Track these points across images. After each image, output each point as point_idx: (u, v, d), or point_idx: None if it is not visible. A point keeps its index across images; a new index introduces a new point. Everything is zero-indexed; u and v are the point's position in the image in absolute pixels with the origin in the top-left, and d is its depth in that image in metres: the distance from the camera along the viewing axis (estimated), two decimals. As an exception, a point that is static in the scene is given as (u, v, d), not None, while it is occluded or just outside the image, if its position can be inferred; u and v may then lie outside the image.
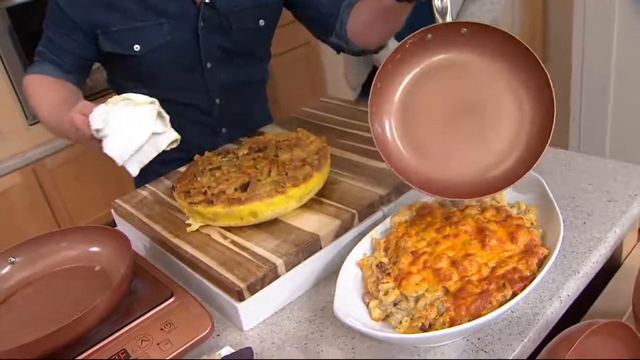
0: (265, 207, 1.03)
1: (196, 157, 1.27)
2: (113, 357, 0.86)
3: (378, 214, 1.09)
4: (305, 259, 1.00)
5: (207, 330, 0.90)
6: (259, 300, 0.95)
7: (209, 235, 1.07)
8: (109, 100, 0.98)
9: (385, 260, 0.95)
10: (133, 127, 0.95)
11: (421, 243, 0.94)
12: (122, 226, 1.23)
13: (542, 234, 0.96)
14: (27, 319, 0.96)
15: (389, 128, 1.04)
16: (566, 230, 1.04)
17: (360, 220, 1.06)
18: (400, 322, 0.85)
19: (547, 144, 0.93)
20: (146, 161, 1.00)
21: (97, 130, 0.96)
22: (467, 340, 0.86)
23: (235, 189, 1.08)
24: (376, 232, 1.02)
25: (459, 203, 1.04)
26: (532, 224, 0.98)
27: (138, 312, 0.92)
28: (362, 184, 1.13)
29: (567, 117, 2.62)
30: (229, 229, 1.07)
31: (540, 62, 0.94)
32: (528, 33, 2.68)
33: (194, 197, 1.09)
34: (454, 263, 0.88)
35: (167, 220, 1.15)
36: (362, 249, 0.99)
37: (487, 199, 1.04)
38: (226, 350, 0.89)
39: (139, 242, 1.18)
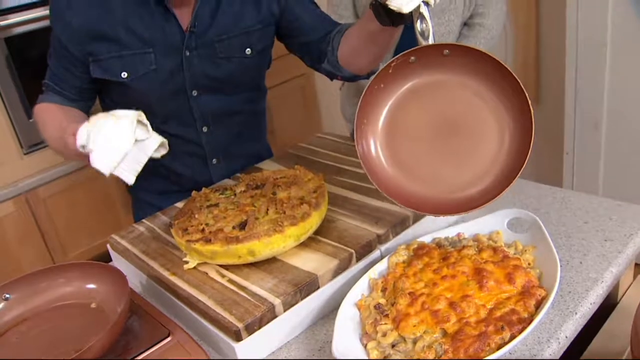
0: (263, 247, 1.03)
1: (193, 193, 1.27)
2: (109, 398, 0.85)
3: (375, 253, 1.09)
4: (303, 299, 1.00)
5: (204, 371, 0.89)
6: (256, 340, 0.95)
7: (207, 273, 1.07)
8: (92, 117, 1.01)
9: (383, 301, 0.95)
10: (115, 138, 0.98)
11: (419, 284, 0.95)
12: (118, 262, 1.23)
13: (539, 274, 0.96)
14: (21, 357, 0.95)
15: (374, 146, 1.07)
16: (563, 270, 1.05)
17: (358, 259, 1.07)
18: (399, 365, 0.85)
19: (524, 164, 0.96)
20: (139, 167, 1.01)
21: (83, 147, 1.00)
22: (466, 383, 0.85)
23: (233, 227, 1.08)
24: (374, 272, 1.02)
25: (456, 243, 1.04)
26: (529, 264, 0.99)
27: (134, 351, 0.92)
28: (359, 223, 1.13)
29: (560, 151, 2.64)
30: (226, 267, 1.07)
31: (520, 83, 0.97)
32: (522, 70, 2.72)
33: (191, 234, 1.09)
34: (451, 304, 0.89)
35: (164, 257, 1.14)
36: (360, 289, 0.99)
37: (484, 239, 1.05)
38: (223, 392, 0.89)
39: (135, 278, 1.17)
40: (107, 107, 1.49)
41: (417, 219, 1.15)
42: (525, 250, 1.01)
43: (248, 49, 1.40)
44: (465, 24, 1.84)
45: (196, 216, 1.15)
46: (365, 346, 0.90)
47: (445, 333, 0.86)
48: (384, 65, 1.03)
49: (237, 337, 0.93)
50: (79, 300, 1.05)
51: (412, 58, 1.03)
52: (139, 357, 0.91)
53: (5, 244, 2.49)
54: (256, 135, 1.61)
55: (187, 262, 1.09)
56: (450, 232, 1.09)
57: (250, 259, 1.04)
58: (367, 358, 0.88)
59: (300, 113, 3.48)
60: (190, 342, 0.93)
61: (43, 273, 1.08)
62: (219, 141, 1.50)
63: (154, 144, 1.02)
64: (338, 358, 0.83)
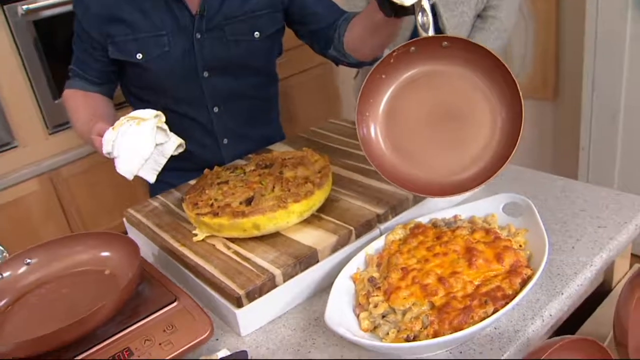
0: (268, 221, 1.09)
1: (206, 171, 1.33)
2: (117, 355, 0.92)
3: (375, 232, 1.14)
4: (302, 271, 1.05)
5: (207, 334, 0.95)
6: (256, 307, 1.00)
7: (214, 245, 1.13)
8: (116, 123, 1.11)
9: (376, 275, 1.00)
10: (136, 146, 1.08)
11: (411, 260, 1.00)
12: (133, 234, 1.30)
13: (529, 255, 1.01)
14: (39, 316, 1.02)
15: (374, 131, 1.14)
16: (554, 254, 1.09)
17: (357, 236, 1.12)
18: (387, 334, 0.90)
19: (515, 150, 1.02)
20: (159, 168, 1.12)
21: (108, 153, 1.11)
22: (450, 353, 0.90)
23: (240, 203, 1.14)
24: (371, 249, 1.07)
25: (451, 224, 1.09)
26: (520, 246, 1.03)
27: (143, 313, 0.98)
28: (361, 203, 1.19)
29: (576, 146, 2.66)
30: (233, 240, 1.13)
31: (512, 74, 1.03)
32: (540, 63, 2.73)
33: (201, 208, 1.15)
34: (440, 280, 0.94)
35: (175, 229, 1.21)
36: (356, 263, 1.04)
37: (479, 221, 1.09)
38: (223, 353, 0.95)
39: (147, 249, 1.24)
40: (126, 91, 1.57)
41: (417, 200, 1.19)
42: (518, 233, 1.05)
43: (257, 33, 1.46)
44: (478, 16, 1.87)
45: (206, 192, 1.21)
46: (357, 316, 0.95)
47: (432, 306, 0.91)
48: (385, 55, 1.08)
49: (239, 304, 0.99)
50: (94, 267, 1.11)
51: (413, 48, 1.08)
52: (147, 318, 0.97)
53: (29, 221, 2.58)
54: (267, 119, 1.67)
55: (196, 235, 1.15)
56: (448, 214, 1.13)
57: (255, 233, 1.10)
58: (358, 327, 0.93)
59: (321, 101, 3.52)
60: (195, 308, 0.99)
61: (61, 241, 1.15)
62: (229, 122, 1.57)
63: (172, 147, 1.12)
64: (330, 325, 0.89)
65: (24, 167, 2.53)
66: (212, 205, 1.15)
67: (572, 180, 1.34)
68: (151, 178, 1.13)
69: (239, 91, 1.54)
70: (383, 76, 1.11)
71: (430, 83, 1.11)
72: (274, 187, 1.18)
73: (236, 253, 1.09)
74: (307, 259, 1.05)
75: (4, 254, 1.12)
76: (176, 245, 1.15)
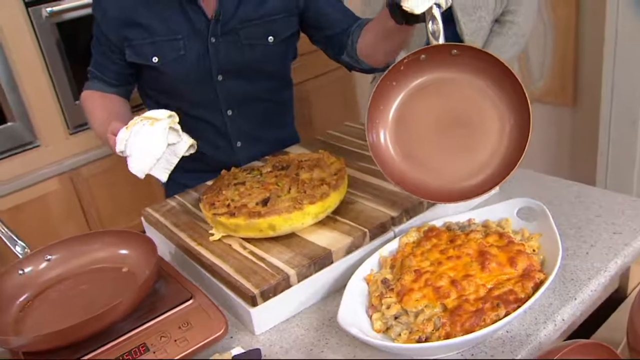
0: (283, 222, 1.10)
1: (223, 172, 1.35)
2: (134, 350, 0.94)
3: (389, 234, 1.15)
4: (316, 272, 1.06)
5: (221, 332, 0.97)
6: (270, 306, 1.02)
7: (230, 245, 1.15)
8: (130, 122, 1.14)
9: (390, 276, 1.01)
10: (148, 145, 1.10)
11: (425, 262, 1.00)
12: (150, 232, 1.32)
13: (542, 260, 1.01)
14: (58, 311, 1.05)
15: (384, 137, 1.15)
16: (568, 259, 1.09)
17: (372, 238, 1.13)
18: (399, 335, 0.91)
19: (523, 156, 1.04)
20: (171, 167, 1.15)
21: (121, 152, 1.14)
22: (462, 355, 0.91)
23: (257, 203, 1.16)
24: (385, 251, 1.08)
25: (465, 228, 1.10)
26: (534, 250, 1.03)
27: (159, 310, 1.00)
28: (376, 205, 1.20)
29: (594, 152, 2.65)
30: (248, 240, 1.15)
31: (521, 82, 1.05)
32: (559, 69, 2.72)
33: (218, 208, 1.17)
34: (453, 282, 0.94)
35: (192, 229, 1.23)
36: (370, 265, 1.05)
37: (493, 225, 1.10)
38: (237, 350, 0.96)
39: (165, 247, 1.26)
40: (143, 93, 1.61)
41: (431, 204, 1.20)
42: (531, 238, 1.06)
43: (271, 37, 1.48)
44: (496, 20, 1.87)
45: (223, 192, 1.23)
46: (370, 317, 0.96)
47: (445, 308, 0.92)
48: (395, 62, 1.10)
49: (253, 303, 1.00)
50: (112, 264, 1.14)
51: (423, 56, 1.10)
52: (163, 315, 0.99)
53: (50, 219, 2.61)
54: (281, 122, 1.69)
55: (212, 234, 1.17)
56: (462, 218, 1.14)
57: (271, 233, 1.12)
58: (370, 328, 0.94)
59: (338, 104, 3.53)
60: (210, 306, 1.01)
61: (81, 238, 1.18)
62: (242, 125, 1.59)
63: (184, 147, 1.15)
64: (342, 325, 0.90)
65: (45, 167, 2.57)
66: (228, 205, 1.17)
67: (588, 186, 1.34)
68: (163, 177, 1.16)
69: (253, 95, 1.56)
70: (394, 83, 1.13)
71: (440, 90, 1.13)
72: (290, 189, 1.19)
73: (252, 253, 1.11)
74: (321, 259, 1.06)
75: (26, 250, 1.15)
76: (193, 244, 1.17)
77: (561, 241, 1.00)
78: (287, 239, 1.13)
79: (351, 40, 1.43)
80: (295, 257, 1.07)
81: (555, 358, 0.78)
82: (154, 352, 0.94)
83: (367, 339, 0.87)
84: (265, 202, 1.15)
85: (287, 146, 1.58)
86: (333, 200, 1.15)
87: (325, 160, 1.30)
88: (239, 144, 1.60)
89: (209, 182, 1.40)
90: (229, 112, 1.56)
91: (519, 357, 0.90)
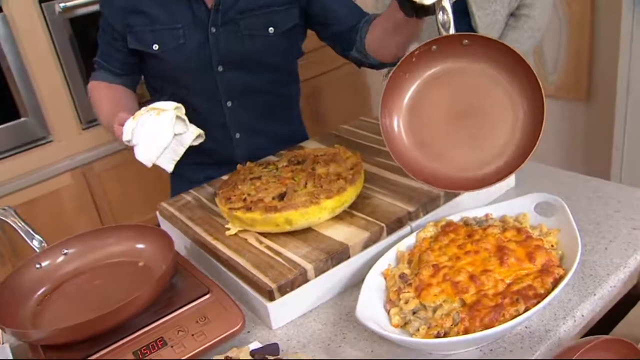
0: (300, 216, 1.10)
1: (238, 166, 1.35)
2: (151, 344, 0.94)
3: (406, 229, 1.15)
4: (333, 266, 1.06)
5: (239, 326, 0.97)
6: (288, 301, 1.02)
7: (246, 239, 1.14)
8: (137, 113, 1.15)
9: (407, 271, 1.01)
10: (155, 134, 1.12)
11: (443, 257, 1.00)
12: (165, 227, 1.32)
13: (561, 255, 1.00)
14: (76, 304, 1.05)
15: (397, 125, 1.15)
16: (587, 255, 1.08)
17: (389, 233, 1.12)
18: (418, 330, 0.91)
19: (536, 146, 1.03)
20: (177, 157, 1.17)
21: (128, 141, 1.15)
22: (480, 350, 0.91)
23: (273, 198, 1.15)
24: (402, 245, 1.08)
25: (482, 222, 1.09)
26: (552, 246, 1.03)
27: (176, 305, 1.00)
28: (392, 200, 1.19)
29: (609, 147, 2.63)
30: (265, 234, 1.14)
31: (533, 71, 1.04)
32: (574, 63, 2.70)
33: (234, 203, 1.17)
34: (472, 277, 0.94)
35: (207, 223, 1.23)
36: (388, 260, 1.05)
37: (511, 220, 1.09)
38: (254, 345, 0.96)
39: (180, 242, 1.26)
40: (147, 83, 1.63)
41: (447, 199, 1.20)
42: (550, 233, 1.05)
43: (271, 28, 1.48)
44: (511, 14, 1.86)
45: (239, 187, 1.22)
46: (388, 312, 0.96)
47: (463, 303, 0.91)
48: (407, 54, 1.10)
49: (270, 297, 1.00)
50: (129, 259, 1.14)
51: (434, 47, 1.10)
52: (180, 310, 0.99)
53: (63, 214, 2.63)
54: (284, 117, 1.68)
55: (228, 229, 1.17)
56: (479, 213, 1.13)
57: (288, 228, 1.11)
58: (388, 323, 0.94)
59: (351, 100, 3.53)
60: (227, 300, 1.00)
61: (98, 232, 1.18)
62: (242, 117, 1.58)
63: (191, 137, 1.16)
64: (360, 319, 0.90)
65: (58, 162, 2.58)
66: (245, 200, 1.17)
67: (605, 181, 1.33)
68: (169, 167, 1.17)
69: (253, 87, 1.55)
70: (406, 75, 1.13)
71: (452, 80, 1.12)
72: (306, 183, 1.19)
73: (268, 247, 1.10)
74: (338, 254, 1.06)
75: (43, 244, 1.15)
76: (209, 238, 1.17)
77: (580, 237, 0.99)
78: (304, 233, 1.13)
79: (359, 36, 1.42)
80: (312, 252, 1.06)
81: (576, 357, 0.77)
82: (172, 347, 0.94)
83: (387, 333, 0.87)
84: (281, 196, 1.15)
85: (290, 142, 1.58)
86: (350, 194, 1.15)
87: (341, 154, 1.30)
88: (237, 135, 1.59)
89: (225, 177, 1.40)
90: (229, 104, 1.55)
91: (538, 353, 0.89)
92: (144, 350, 0.93)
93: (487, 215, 1.12)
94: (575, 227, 1.02)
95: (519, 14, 1.85)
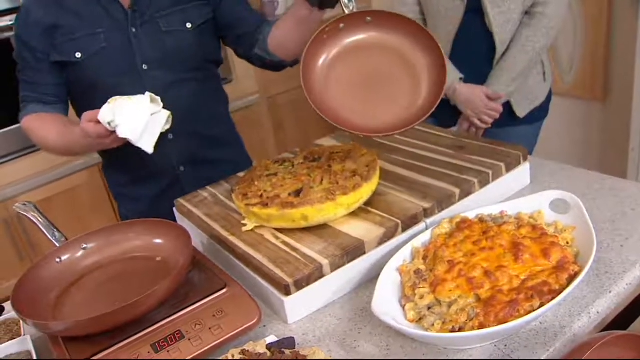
0: (316, 212, 1.11)
1: (255, 163, 1.36)
2: (169, 337, 0.95)
3: (421, 226, 1.15)
4: (349, 262, 1.07)
5: (255, 320, 0.98)
6: (304, 296, 1.03)
7: (263, 235, 1.16)
8: (109, 100, 1.20)
9: (422, 267, 1.01)
10: (136, 111, 1.19)
11: (458, 254, 1.00)
12: (182, 223, 1.33)
13: (576, 252, 1.00)
14: (95, 298, 1.07)
15: (321, 98, 1.24)
16: (603, 252, 1.08)
17: (404, 230, 1.13)
18: (433, 325, 0.91)
19: (441, 95, 1.18)
20: (155, 138, 1.22)
21: (109, 123, 1.19)
22: (495, 346, 0.91)
23: (289, 194, 1.16)
24: (417, 242, 1.09)
25: (498, 219, 1.09)
26: (567, 242, 1.03)
27: (194, 299, 1.01)
28: (407, 197, 1.20)
29: (625, 147, 2.62)
30: (281, 230, 1.15)
31: (430, 32, 1.22)
32: (589, 64, 2.69)
33: (250, 199, 1.18)
34: (487, 273, 0.94)
35: (224, 219, 1.24)
36: (403, 255, 1.06)
37: (526, 217, 1.09)
38: (271, 339, 0.97)
39: (197, 238, 1.28)
40: (76, 103, 1.58)
41: (463, 196, 1.20)
42: (565, 230, 1.05)
43: (189, 23, 1.52)
44: (526, 12, 1.85)
45: (256, 183, 1.24)
46: (403, 307, 0.97)
47: (478, 298, 0.92)
48: (317, 33, 1.21)
49: (287, 292, 1.01)
50: (147, 253, 1.15)
51: (342, 25, 1.23)
52: (197, 304, 1.00)
53: (79, 210, 2.66)
54: (213, 111, 1.67)
55: (245, 225, 1.18)
56: (494, 210, 1.13)
57: (304, 224, 1.12)
58: (404, 318, 0.95)
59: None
60: (243, 295, 1.02)
61: (116, 227, 1.20)
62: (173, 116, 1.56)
63: (164, 116, 1.23)
64: (376, 313, 0.90)
65: (76, 159, 2.61)
66: (261, 196, 1.18)
67: (621, 179, 1.32)
68: (149, 148, 1.22)
69: (179, 85, 1.54)
70: (320, 51, 1.24)
71: (359, 53, 1.26)
72: (322, 180, 1.20)
73: (284, 243, 1.11)
74: (354, 250, 1.07)
75: (63, 238, 1.17)
76: (226, 234, 1.18)
77: (595, 234, 0.99)
78: (320, 229, 1.14)
79: (263, 36, 1.52)
80: (328, 248, 1.07)
81: (592, 349, 0.77)
82: (189, 340, 0.95)
83: (402, 327, 0.88)
84: (297, 192, 1.16)
85: (223, 145, 1.67)
86: (365, 191, 1.16)
87: (356, 152, 1.31)
88: (170, 136, 1.54)
89: (241, 174, 1.41)
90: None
91: (552, 349, 0.90)
92: (162, 343, 0.95)
93: (502, 212, 1.12)
94: (590, 224, 1.02)
95: (533, 12, 1.84)
